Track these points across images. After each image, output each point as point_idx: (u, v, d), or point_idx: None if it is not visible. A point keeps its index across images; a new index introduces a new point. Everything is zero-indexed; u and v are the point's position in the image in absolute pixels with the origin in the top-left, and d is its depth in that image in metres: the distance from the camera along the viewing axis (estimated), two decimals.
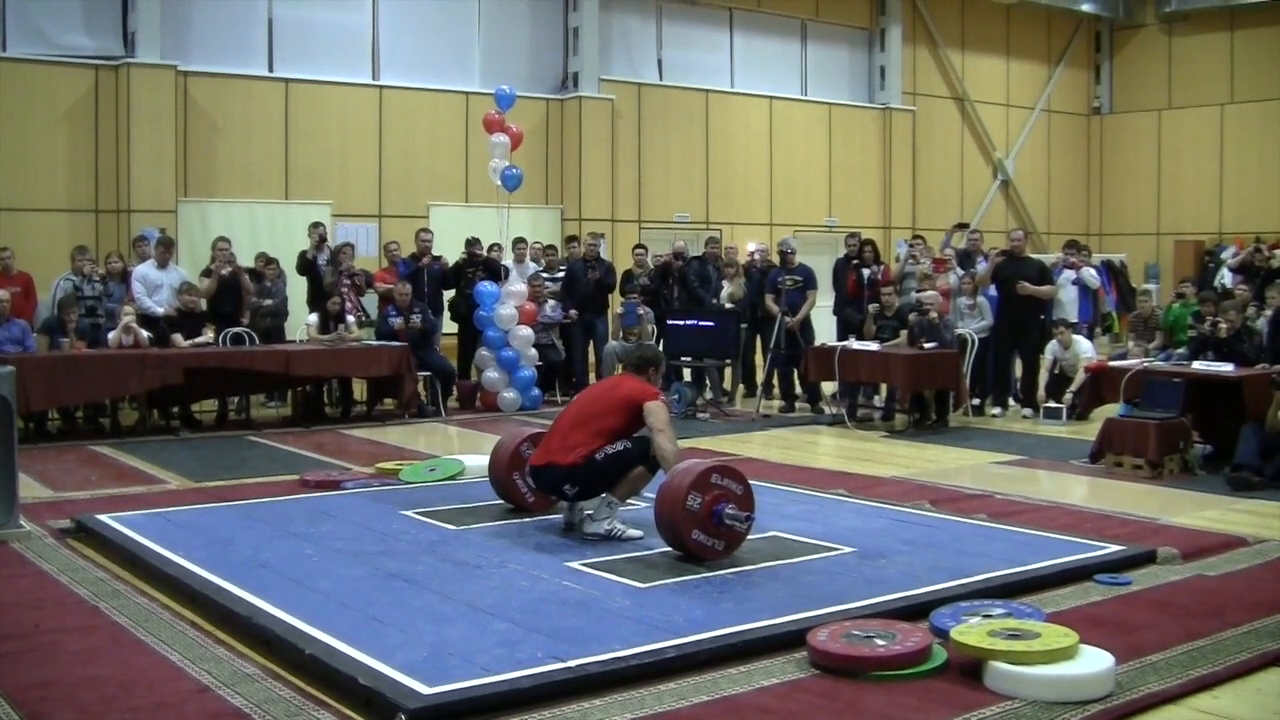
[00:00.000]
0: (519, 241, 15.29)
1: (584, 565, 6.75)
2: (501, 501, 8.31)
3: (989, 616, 5.52)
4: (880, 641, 5.19)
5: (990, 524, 8.05)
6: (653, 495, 7.10)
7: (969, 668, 5.05)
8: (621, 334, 14.66)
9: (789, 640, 5.41)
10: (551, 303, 15.16)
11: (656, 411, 7.37)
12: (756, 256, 15.79)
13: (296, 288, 14.83)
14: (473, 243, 15.21)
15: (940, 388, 12.99)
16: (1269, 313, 11.93)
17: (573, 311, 15.23)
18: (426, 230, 15.50)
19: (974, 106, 24.98)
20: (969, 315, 14.00)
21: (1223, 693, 4.99)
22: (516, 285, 14.46)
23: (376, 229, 17.70)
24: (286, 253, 14.93)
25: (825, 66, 23.10)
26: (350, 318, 13.87)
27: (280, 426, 13.21)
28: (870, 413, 13.84)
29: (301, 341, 13.87)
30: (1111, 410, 11.22)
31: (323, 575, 6.57)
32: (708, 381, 14.83)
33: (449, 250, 15.50)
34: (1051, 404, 13.34)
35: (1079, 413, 12.62)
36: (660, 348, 14.16)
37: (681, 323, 14.48)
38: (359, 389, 14.39)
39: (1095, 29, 27.14)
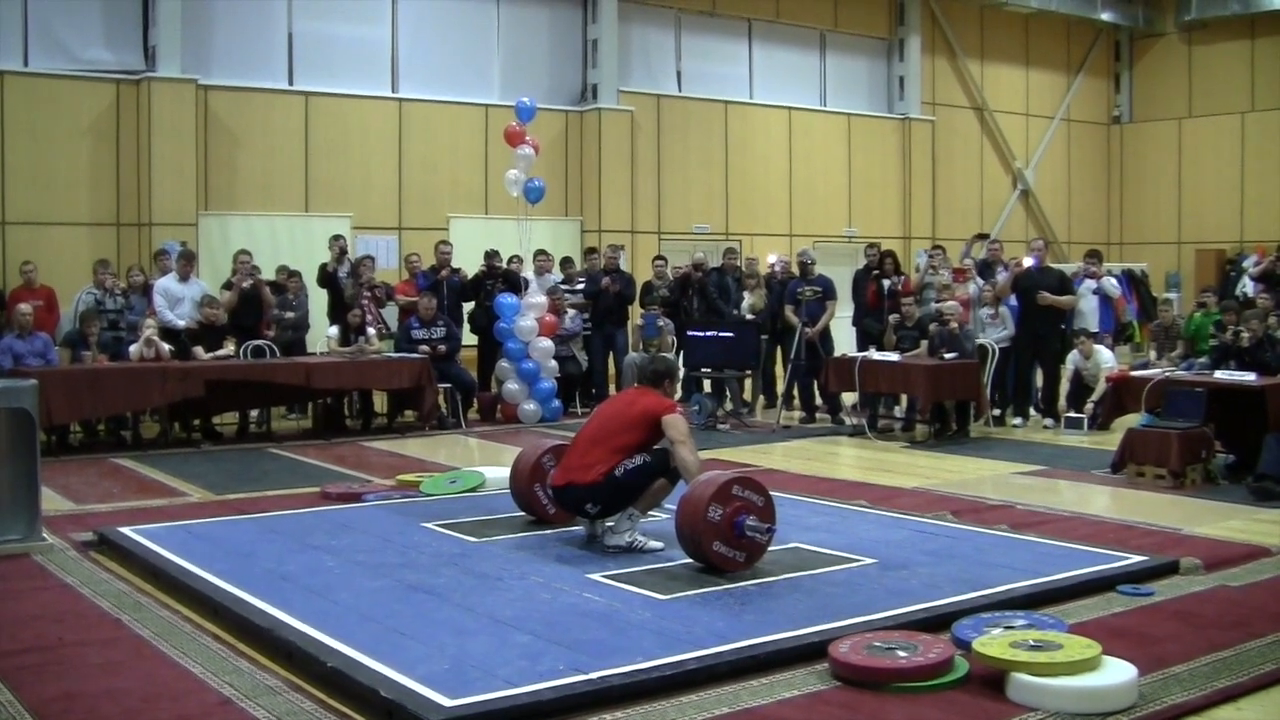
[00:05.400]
0: (540, 253, 15.31)
1: (605, 577, 6.75)
2: (522, 513, 8.31)
3: (1011, 628, 5.50)
4: (902, 653, 5.17)
5: (1012, 535, 8.02)
6: (674, 507, 7.10)
7: (991, 679, 5.03)
8: (641, 346, 14.65)
9: (811, 652, 5.40)
10: (571, 314, 15.18)
11: (676, 424, 7.36)
12: (777, 268, 15.78)
13: (317, 300, 14.88)
14: (492, 255, 15.23)
15: (961, 398, 12.95)
16: None
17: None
18: (446, 242, 15.53)
19: (993, 116, 24.95)
20: (990, 325, 13.97)
21: (1246, 704, 4.96)
22: (536, 297, 14.47)
23: (397, 241, 17.76)
24: (307, 265, 15.00)
25: (844, 77, 23.11)
26: (371, 330, 13.90)
27: (301, 439, 13.25)
28: (891, 423, 13.81)
29: (322, 354, 13.90)
30: (1133, 420, 11.16)
31: (344, 588, 6.58)
32: (728, 393, 14.83)
33: (468, 262, 15.52)
34: (1073, 414, 13.28)
35: (1100, 423, 12.55)
36: (680, 359, 14.19)
37: (701, 334, 14.47)
38: (379, 401, 14.44)
39: (1115, 38, 27.08)
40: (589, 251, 16.85)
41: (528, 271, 14.96)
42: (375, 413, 14.30)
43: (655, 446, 7.43)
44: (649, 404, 7.56)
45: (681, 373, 14.97)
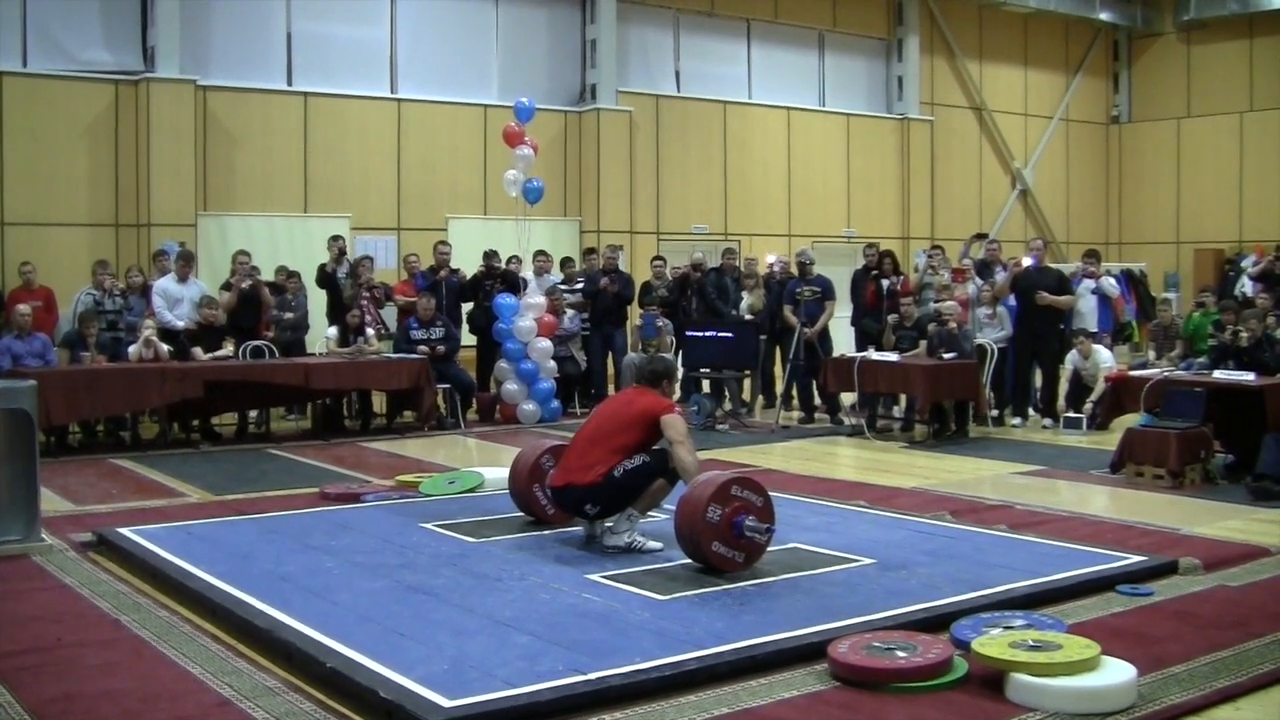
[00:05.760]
0: (538, 254, 15.32)
1: (604, 578, 6.75)
2: (521, 514, 8.31)
3: (1010, 628, 5.50)
4: (901, 653, 5.17)
5: (1011, 535, 8.02)
6: (672, 507, 7.10)
7: (990, 679, 5.03)
8: (640, 346, 14.65)
9: (810, 652, 5.40)
10: (570, 314, 15.17)
11: (674, 424, 7.36)
12: (776, 268, 15.79)
13: (316, 301, 14.87)
14: (490, 255, 15.23)
15: (959, 398, 12.95)
16: None
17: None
18: (445, 243, 15.53)
19: (992, 116, 24.94)
20: (988, 325, 13.98)
21: (1245, 704, 4.96)
22: (535, 297, 14.47)
23: (395, 242, 17.75)
24: (306, 266, 14.99)
25: (843, 77, 23.09)
26: (370, 330, 13.90)
27: (300, 439, 13.25)
28: (890, 423, 13.81)
29: (321, 354, 13.90)
30: (1132, 420, 11.16)
31: (343, 588, 6.58)
32: (727, 393, 14.83)
33: (467, 263, 15.52)
34: (1071, 414, 13.29)
35: (1099, 423, 12.55)
36: (679, 359, 14.20)
37: (700, 334, 14.48)
38: (378, 402, 14.43)
39: (1113, 38, 27.07)
40: (588, 252, 16.85)
41: (526, 272, 14.97)
42: (374, 413, 14.30)
43: (654, 447, 7.43)
44: (647, 404, 7.56)
45: (680, 373, 15.00)
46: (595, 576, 6.77)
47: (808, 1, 22.26)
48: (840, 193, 22.62)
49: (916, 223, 23.31)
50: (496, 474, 9.53)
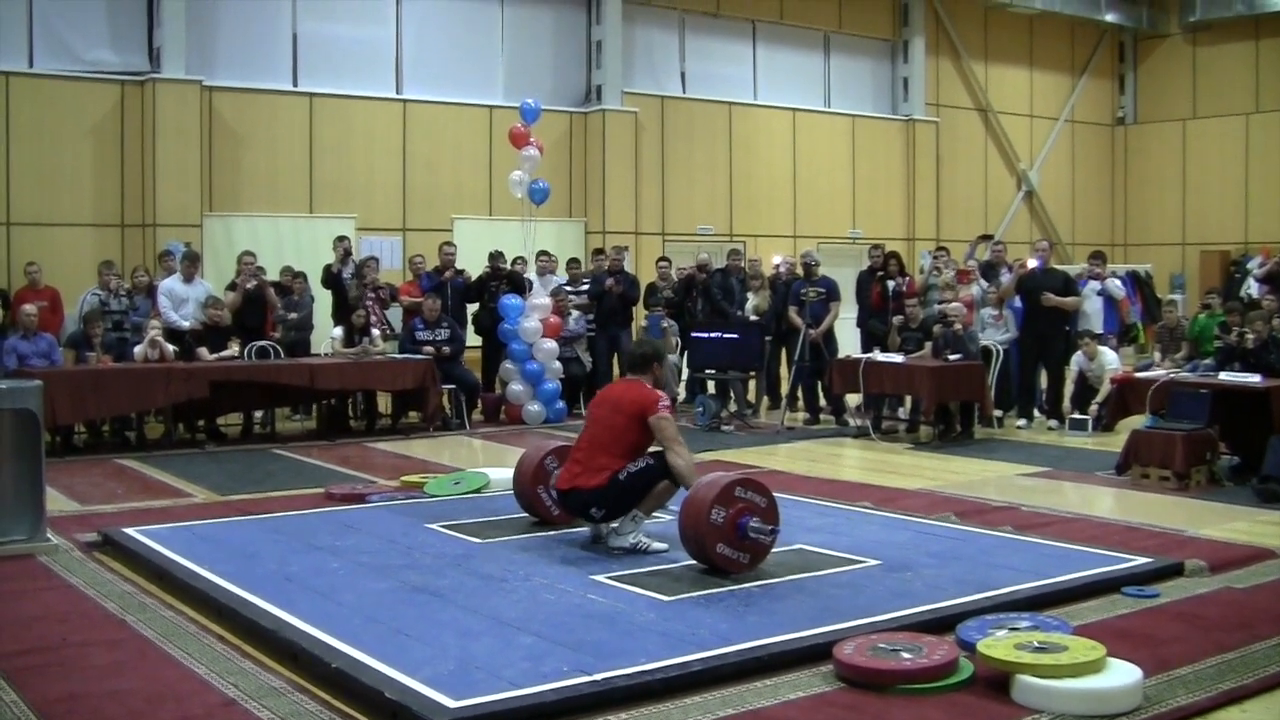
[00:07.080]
0: (542, 254, 15.32)
1: (609, 578, 6.74)
2: (526, 514, 8.31)
3: (1016, 629, 5.50)
4: (906, 655, 5.17)
5: (1016, 536, 8.01)
6: (677, 508, 7.10)
7: (996, 681, 5.02)
8: None
9: (815, 653, 5.39)
10: (575, 315, 15.17)
11: (663, 427, 7.37)
12: (781, 269, 15.79)
13: (321, 301, 14.88)
14: (496, 256, 15.23)
15: (965, 399, 12.94)
16: None
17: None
18: (450, 244, 15.53)
19: (997, 117, 24.93)
20: (993, 326, 13.97)
21: (1251, 706, 4.95)
22: (540, 298, 14.47)
23: (401, 242, 17.77)
24: (311, 266, 14.98)
25: (848, 78, 23.10)
26: (375, 331, 13.91)
27: (305, 440, 13.25)
28: (895, 425, 13.80)
29: (326, 355, 13.91)
30: (1138, 422, 11.16)
31: (348, 589, 6.58)
32: (732, 394, 14.82)
33: (472, 264, 15.52)
34: (1077, 415, 13.28)
35: (1105, 424, 12.55)
36: (684, 360, 14.20)
37: (705, 335, 14.47)
38: (383, 402, 14.43)
39: (1119, 39, 27.06)
40: (597, 252, 16.82)
41: (531, 273, 14.96)
42: (379, 414, 14.29)
43: (655, 448, 7.43)
44: (635, 402, 7.51)
45: (685, 374, 15.03)
46: (600, 577, 6.77)
47: (813, 3, 22.28)
48: (845, 194, 22.62)
49: (922, 224, 23.31)
50: (501, 475, 9.53)
